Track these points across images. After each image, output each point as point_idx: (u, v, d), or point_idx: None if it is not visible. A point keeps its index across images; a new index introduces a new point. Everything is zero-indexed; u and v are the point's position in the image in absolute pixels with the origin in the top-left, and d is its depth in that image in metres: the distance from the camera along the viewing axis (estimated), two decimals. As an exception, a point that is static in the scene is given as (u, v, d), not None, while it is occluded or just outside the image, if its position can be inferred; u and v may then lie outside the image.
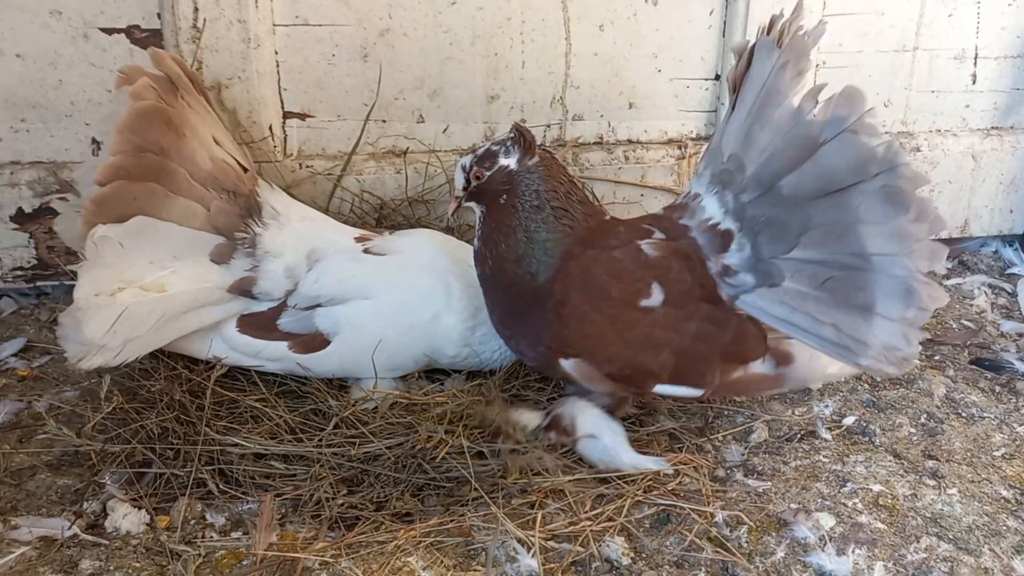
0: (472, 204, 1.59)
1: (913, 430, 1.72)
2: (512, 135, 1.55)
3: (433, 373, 1.78)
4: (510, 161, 1.54)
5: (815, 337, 1.43)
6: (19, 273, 2.00)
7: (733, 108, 1.50)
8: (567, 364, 1.52)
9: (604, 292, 1.49)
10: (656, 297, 1.49)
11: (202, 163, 1.61)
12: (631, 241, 1.53)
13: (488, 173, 1.54)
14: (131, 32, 1.89)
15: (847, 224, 1.36)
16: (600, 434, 1.56)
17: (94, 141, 1.96)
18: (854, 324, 1.38)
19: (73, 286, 2.02)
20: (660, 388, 1.55)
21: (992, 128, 2.34)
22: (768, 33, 1.44)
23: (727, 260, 1.50)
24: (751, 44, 1.47)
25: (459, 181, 1.58)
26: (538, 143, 1.58)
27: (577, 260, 1.51)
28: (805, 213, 1.41)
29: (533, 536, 1.38)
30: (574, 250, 1.51)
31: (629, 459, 1.55)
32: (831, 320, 1.40)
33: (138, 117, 1.51)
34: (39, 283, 2.04)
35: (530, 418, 1.61)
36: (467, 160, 1.57)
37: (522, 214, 1.52)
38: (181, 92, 1.62)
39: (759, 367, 1.56)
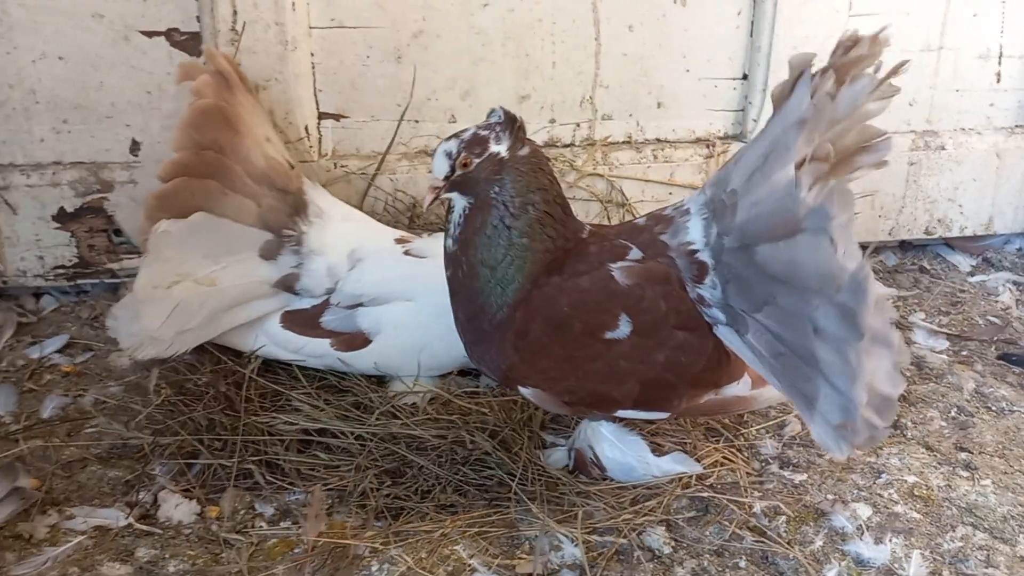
0: (454, 195, 1.41)
1: (944, 424, 1.75)
2: (500, 119, 1.39)
3: (470, 371, 1.80)
4: (501, 148, 1.37)
5: (776, 388, 1.39)
6: (60, 271, 2.05)
7: (761, 134, 1.36)
8: (526, 392, 1.47)
9: (566, 325, 1.40)
10: (623, 329, 1.40)
11: (256, 161, 1.65)
12: (602, 265, 1.41)
13: (477, 160, 1.36)
14: (171, 35, 1.93)
15: (803, 319, 1.27)
16: (623, 454, 1.55)
17: (133, 142, 2.00)
18: (799, 406, 1.33)
19: (113, 284, 2.10)
20: (623, 413, 1.49)
21: (1016, 126, 2.36)
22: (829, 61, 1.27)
23: (702, 291, 1.41)
24: (801, 71, 1.28)
25: (441, 168, 1.38)
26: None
27: (540, 289, 1.40)
28: (770, 288, 1.32)
29: (575, 531, 1.41)
30: (540, 277, 1.41)
31: (658, 469, 1.55)
32: (782, 387, 1.35)
33: (200, 114, 1.56)
34: (79, 281, 2.08)
35: (557, 459, 1.61)
36: (452, 145, 1.37)
37: (509, 212, 1.38)
38: (234, 89, 1.66)
39: (733, 388, 1.50)
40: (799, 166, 1.26)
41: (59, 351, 1.94)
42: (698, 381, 1.47)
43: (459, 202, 1.42)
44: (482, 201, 1.39)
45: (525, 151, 1.40)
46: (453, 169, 1.38)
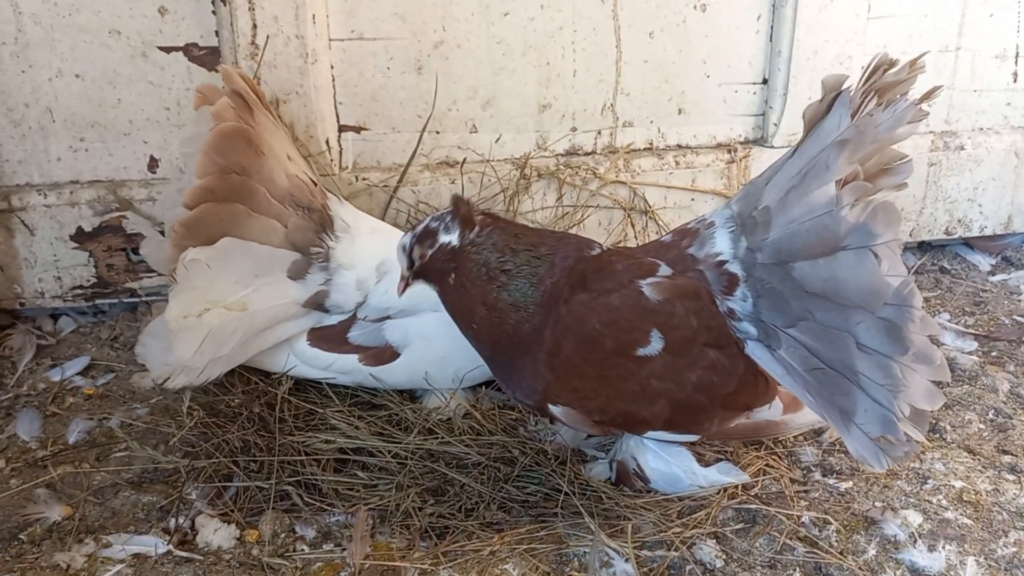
0: (420, 283, 1.50)
1: (983, 426, 1.73)
2: (450, 209, 1.46)
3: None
4: (451, 238, 1.44)
5: (808, 404, 1.39)
6: (79, 292, 2.01)
7: (794, 152, 1.35)
8: (556, 411, 1.46)
9: (598, 343, 1.40)
10: (655, 345, 1.40)
11: (279, 181, 1.62)
12: (631, 282, 1.42)
13: (431, 252, 1.45)
14: (189, 50, 1.90)
15: (843, 335, 1.28)
16: (667, 465, 1.53)
17: (152, 159, 1.97)
18: (834, 420, 1.33)
19: (132, 303, 2.07)
20: (653, 434, 1.49)
21: (1033, 125, 2.36)
22: (865, 82, 1.27)
23: (732, 304, 1.40)
24: (839, 92, 1.29)
25: (403, 261, 1.49)
26: (476, 211, 1.47)
27: (568, 306, 1.41)
28: (807, 304, 1.32)
29: (625, 546, 1.39)
30: (562, 293, 1.42)
31: (704, 479, 1.53)
32: (816, 403, 1.36)
33: (223, 138, 1.53)
34: (98, 301, 2.04)
35: (599, 472, 1.59)
36: (407, 239, 1.47)
37: (475, 291, 1.43)
38: (253, 109, 1.63)
39: (764, 412, 1.49)
40: (841, 186, 1.26)
41: (80, 373, 1.91)
42: (729, 403, 1.46)
43: (429, 287, 1.50)
44: (444, 287, 1.47)
45: (475, 233, 1.44)
46: (412, 261, 1.47)
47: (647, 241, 2.14)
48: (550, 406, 1.46)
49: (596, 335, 1.40)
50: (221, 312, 1.55)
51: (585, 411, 1.45)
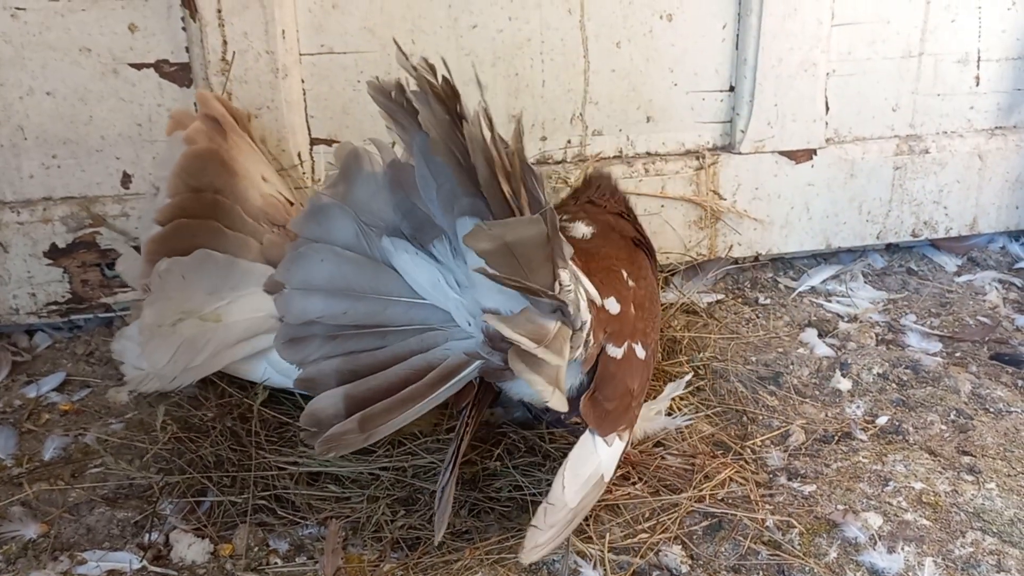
0: None
1: (944, 427, 1.77)
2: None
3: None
4: None
5: None
6: (53, 308, 2.02)
7: None
8: None
9: None
10: None
11: (253, 200, 1.65)
12: None
13: None
14: (160, 67, 1.92)
15: None
16: None
17: (124, 175, 1.98)
18: None
19: (107, 318, 2.08)
20: None
21: (996, 128, 2.40)
22: None
23: None
24: None
25: None
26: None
27: None
28: None
29: (595, 550, 1.42)
30: None
31: None
32: None
33: (193, 160, 1.56)
34: (73, 317, 2.05)
35: None
36: None
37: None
38: (228, 132, 1.65)
39: None
40: None
41: (56, 389, 1.92)
42: None
43: None
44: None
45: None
46: None
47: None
48: None
49: None
50: (195, 323, 1.57)
51: None
